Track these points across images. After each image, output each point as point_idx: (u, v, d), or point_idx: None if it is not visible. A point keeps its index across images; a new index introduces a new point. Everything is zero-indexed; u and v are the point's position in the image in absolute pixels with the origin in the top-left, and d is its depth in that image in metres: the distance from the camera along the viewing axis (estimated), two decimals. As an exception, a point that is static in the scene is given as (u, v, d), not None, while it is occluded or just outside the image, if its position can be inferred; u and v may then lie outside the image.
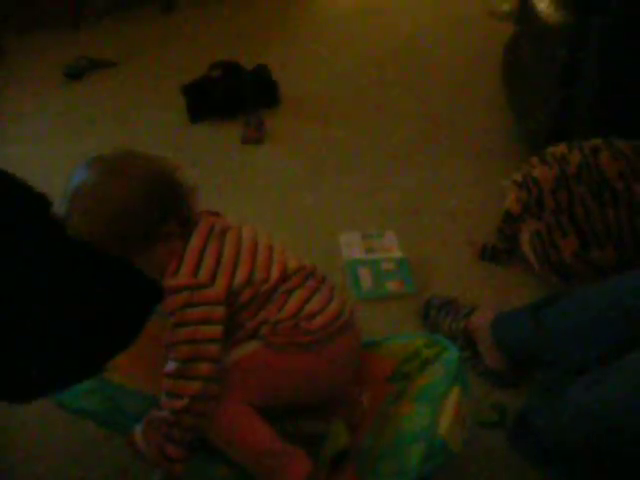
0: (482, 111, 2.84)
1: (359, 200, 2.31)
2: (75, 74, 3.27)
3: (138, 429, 1.21)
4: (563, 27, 2.09)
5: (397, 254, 2.02)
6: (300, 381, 1.26)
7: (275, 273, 1.25)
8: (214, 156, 2.59)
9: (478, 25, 3.64)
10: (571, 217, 1.77)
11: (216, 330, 1.18)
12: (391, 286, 1.91)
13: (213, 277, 1.19)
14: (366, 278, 1.93)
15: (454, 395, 1.21)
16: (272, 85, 2.93)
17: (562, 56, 2.10)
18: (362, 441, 1.28)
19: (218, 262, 1.21)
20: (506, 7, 3.59)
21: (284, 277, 1.26)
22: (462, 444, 1.17)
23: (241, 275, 1.22)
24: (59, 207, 1.20)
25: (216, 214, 1.34)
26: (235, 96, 2.84)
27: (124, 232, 1.19)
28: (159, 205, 1.20)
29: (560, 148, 1.88)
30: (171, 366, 1.17)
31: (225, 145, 2.66)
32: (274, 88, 2.93)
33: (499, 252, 1.99)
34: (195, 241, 1.23)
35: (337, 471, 1.26)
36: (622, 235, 1.73)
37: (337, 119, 2.85)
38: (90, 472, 1.47)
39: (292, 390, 1.27)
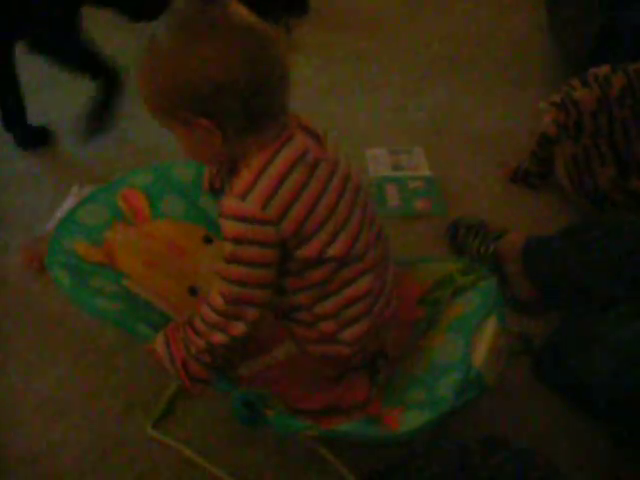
0: (521, 32, 2.71)
1: (387, 116, 2.24)
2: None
3: (159, 337, 1.14)
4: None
5: (425, 172, 1.97)
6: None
7: (343, 243, 1.08)
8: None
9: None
10: (611, 143, 1.70)
11: (269, 274, 1.05)
12: (419, 205, 1.86)
13: (283, 215, 1.01)
14: (393, 195, 1.88)
15: (490, 326, 1.15)
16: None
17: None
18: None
19: (295, 200, 1.02)
20: None
21: (349, 250, 1.09)
22: (497, 377, 1.12)
23: (312, 223, 1.04)
24: None
25: (313, 132, 1.09)
26: (263, 1, 2.73)
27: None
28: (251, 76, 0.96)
29: (603, 69, 1.78)
30: (217, 299, 1.07)
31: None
32: (302, -4, 2.81)
33: (532, 175, 1.92)
34: (280, 165, 1.01)
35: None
36: (665, 165, 1.66)
37: (367, 32, 2.74)
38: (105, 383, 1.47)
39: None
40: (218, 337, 1.08)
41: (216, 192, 1.32)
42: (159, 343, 1.13)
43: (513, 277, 1.57)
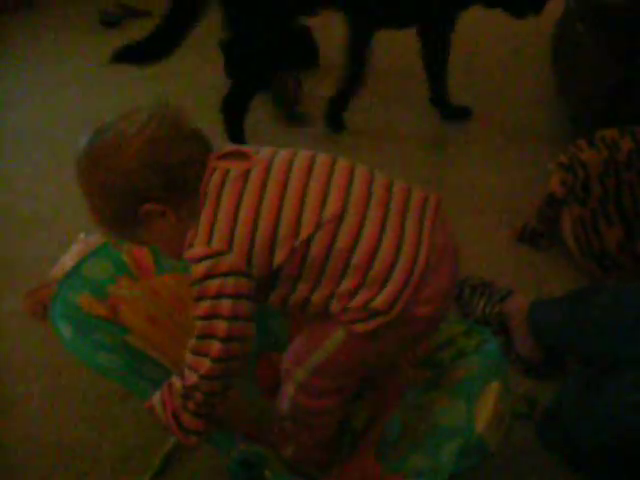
0: (528, 92, 2.74)
1: (391, 174, 2.22)
2: (110, 22, 3.22)
3: (157, 394, 1.13)
4: (624, 4, 2.00)
5: (431, 231, 1.96)
6: (387, 356, 1.18)
7: (310, 219, 1.02)
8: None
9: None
10: (618, 206, 1.70)
11: (231, 306, 1.02)
12: (424, 263, 1.85)
13: (229, 241, 1.01)
14: (399, 252, 1.87)
15: (493, 390, 1.14)
16: (313, 46, 2.86)
17: (621, 35, 2.01)
18: (386, 426, 1.23)
19: (234, 219, 1.01)
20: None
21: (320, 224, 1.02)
22: (499, 443, 1.11)
23: (263, 231, 1.01)
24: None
25: (236, 153, 1.08)
26: (274, 56, 2.76)
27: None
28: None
29: (611, 132, 1.79)
30: (192, 339, 1.07)
31: (261, 104, 2.58)
32: (315, 50, 2.86)
33: (538, 235, 1.92)
34: (207, 200, 1.03)
35: (356, 451, 1.22)
36: (671, 229, 1.66)
37: (376, 87, 2.76)
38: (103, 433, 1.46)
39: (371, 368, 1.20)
40: (191, 378, 1.05)
41: None
42: (156, 398, 1.12)
43: (518, 339, 1.56)
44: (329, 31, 3.08)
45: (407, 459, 1.14)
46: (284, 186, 1.04)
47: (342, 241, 1.02)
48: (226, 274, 1.01)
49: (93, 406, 1.51)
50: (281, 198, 1.03)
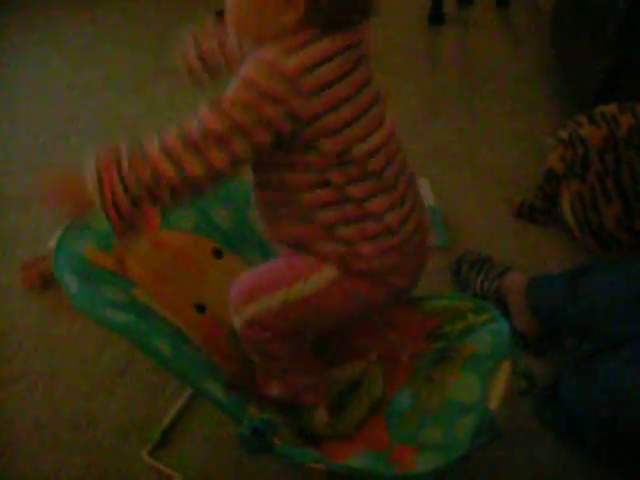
0: (528, 67, 2.72)
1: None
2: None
3: (91, 166, 0.92)
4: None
5: (431, 204, 1.96)
6: (364, 308, 1.14)
7: (371, 144, 1.01)
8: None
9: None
10: (617, 182, 1.69)
11: (266, 137, 0.92)
12: (423, 237, 1.85)
13: (317, 91, 0.92)
14: (397, 227, 1.87)
15: (505, 370, 1.14)
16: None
17: (622, 9, 1.99)
18: (396, 397, 1.23)
19: (334, 83, 0.93)
20: None
21: (381, 148, 1.02)
22: (505, 420, 1.12)
23: (339, 116, 0.95)
24: None
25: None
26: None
27: None
28: None
29: (611, 108, 1.78)
30: (191, 123, 0.93)
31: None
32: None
33: (536, 211, 1.92)
34: (329, 43, 0.93)
35: (366, 422, 1.22)
36: (670, 206, 1.66)
37: (378, 62, 2.73)
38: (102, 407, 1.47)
39: (347, 316, 1.15)
40: (168, 170, 0.91)
41: (201, 72, 1.23)
42: (89, 170, 0.92)
43: (516, 315, 1.56)
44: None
45: (419, 432, 1.14)
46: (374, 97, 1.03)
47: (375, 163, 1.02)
48: (289, 114, 0.91)
49: (92, 380, 1.51)
50: (372, 103, 1.02)
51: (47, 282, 1.68)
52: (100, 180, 0.91)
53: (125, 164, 0.91)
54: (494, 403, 1.10)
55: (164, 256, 1.30)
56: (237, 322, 1.12)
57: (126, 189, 0.91)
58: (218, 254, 1.35)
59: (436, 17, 2.99)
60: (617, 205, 1.68)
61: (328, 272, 1.07)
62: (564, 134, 1.80)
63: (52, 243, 1.73)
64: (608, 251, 1.71)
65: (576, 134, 1.76)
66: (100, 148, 0.93)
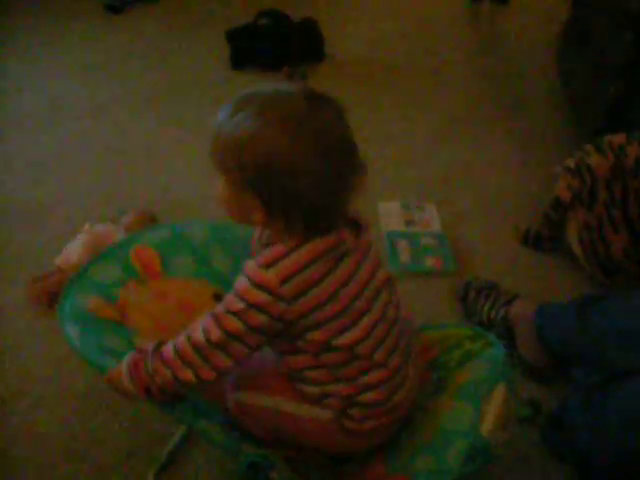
0: (535, 95, 2.75)
1: (400, 170, 2.24)
2: (115, 7, 3.20)
3: (123, 365, 1.11)
4: (631, 9, 1.99)
5: (437, 229, 1.97)
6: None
7: (356, 333, 1.08)
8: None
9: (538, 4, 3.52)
10: (624, 212, 1.70)
11: (260, 340, 1.05)
12: (430, 262, 1.86)
13: (298, 297, 1.02)
14: (405, 252, 1.88)
15: (498, 394, 1.14)
16: (319, 40, 2.85)
17: (628, 41, 2.01)
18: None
19: (314, 286, 1.02)
20: None
21: (366, 337, 1.09)
22: (503, 446, 1.10)
23: (324, 312, 1.05)
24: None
25: (356, 222, 1.09)
26: (280, 47, 2.76)
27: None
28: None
29: (618, 138, 1.79)
30: (199, 335, 1.05)
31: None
32: (321, 43, 2.85)
33: (542, 239, 1.92)
34: (309, 250, 1.02)
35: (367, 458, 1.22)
36: (676, 237, 1.66)
37: (381, 83, 2.78)
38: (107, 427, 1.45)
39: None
40: (186, 374, 1.06)
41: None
42: (123, 372, 1.10)
43: (523, 343, 1.56)
44: (335, 25, 3.10)
45: (412, 460, 1.15)
46: (361, 288, 1.08)
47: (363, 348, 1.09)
48: (273, 317, 1.02)
49: (96, 399, 1.50)
50: (356, 296, 1.07)
51: (54, 299, 1.68)
52: (133, 380, 1.09)
53: (150, 368, 1.08)
54: (487, 427, 1.10)
55: (165, 305, 1.34)
56: (231, 400, 1.19)
57: (152, 383, 1.09)
58: (218, 298, 1.37)
59: None
60: (624, 235, 1.69)
61: (323, 412, 1.14)
62: (571, 163, 1.81)
63: (59, 260, 1.74)
64: (614, 280, 1.72)
65: (584, 163, 1.77)
66: (132, 355, 1.11)
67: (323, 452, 1.23)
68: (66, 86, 2.68)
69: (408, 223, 1.99)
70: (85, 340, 1.19)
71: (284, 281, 1.00)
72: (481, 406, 1.14)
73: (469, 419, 1.14)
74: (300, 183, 0.96)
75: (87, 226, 1.83)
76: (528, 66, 2.96)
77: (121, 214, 1.89)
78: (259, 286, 1.00)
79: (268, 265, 1.01)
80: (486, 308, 1.65)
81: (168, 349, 1.08)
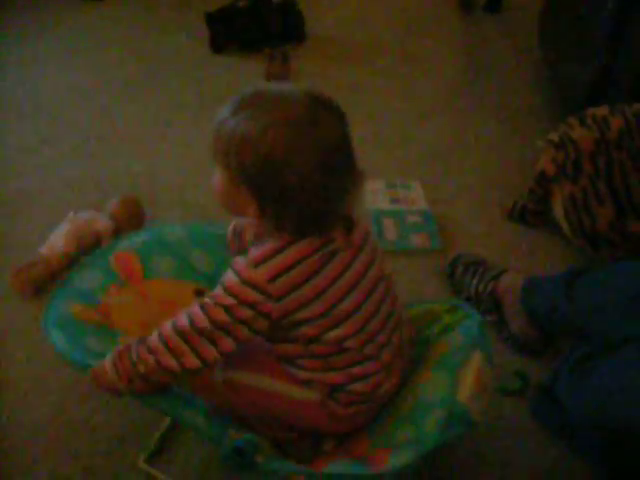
0: (519, 70, 2.75)
1: (384, 149, 2.24)
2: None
3: (108, 358, 1.13)
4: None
5: (423, 207, 1.96)
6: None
7: (346, 329, 1.09)
8: (236, 90, 2.50)
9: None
10: (609, 184, 1.70)
11: (247, 333, 1.06)
12: (416, 240, 1.85)
13: (286, 295, 1.03)
14: (391, 229, 1.88)
15: (475, 362, 1.15)
16: (299, 20, 2.83)
17: (611, 11, 2.00)
18: None
19: (303, 284, 1.04)
20: None
21: (355, 333, 1.11)
22: (483, 413, 1.12)
23: (310, 311, 1.06)
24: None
25: (347, 220, 1.10)
26: (261, 28, 2.74)
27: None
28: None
29: (601, 110, 1.79)
30: (184, 321, 1.06)
31: (247, 79, 2.55)
32: (301, 23, 2.83)
33: (529, 213, 1.93)
34: (298, 249, 1.04)
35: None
36: (661, 209, 1.67)
37: (365, 63, 2.76)
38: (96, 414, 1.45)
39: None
40: (170, 362, 1.07)
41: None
42: (107, 363, 1.13)
43: (512, 317, 1.56)
44: (315, 5, 3.08)
45: (394, 433, 1.16)
46: (352, 285, 1.09)
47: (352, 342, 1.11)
48: (261, 313, 1.04)
49: (85, 387, 1.48)
50: (347, 293, 1.08)
51: (38, 288, 1.67)
52: (117, 371, 1.12)
53: (134, 356, 1.10)
54: (464, 395, 1.11)
55: (148, 306, 1.35)
56: (219, 377, 1.19)
57: (136, 373, 1.10)
58: (200, 294, 1.40)
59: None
60: (609, 207, 1.69)
61: (310, 394, 1.15)
62: (555, 137, 1.81)
63: (43, 249, 1.73)
64: (600, 252, 1.72)
65: (567, 136, 1.77)
66: (117, 348, 1.14)
67: (307, 432, 1.23)
68: (46, 72, 2.64)
69: (394, 201, 1.98)
70: (71, 344, 1.23)
71: (272, 279, 1.02)
72: (457, 374, 1.15)
73: (446, 388, 1.15)
74: (296, 185, 0.98)
75: (71, 214, 1.81)
76: (511, 45, 2.95)
77: (105, 201, 1.88)
78: (248, 283, 1.02)
79: (257, 263, 1.03)
80: (474, 283, 1.65)
81: (153, 336, 1.10)
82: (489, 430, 1.41)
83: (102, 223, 1.78)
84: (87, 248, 1.74)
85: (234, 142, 0.99)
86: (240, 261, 1.04)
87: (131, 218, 1.83)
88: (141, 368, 1.09)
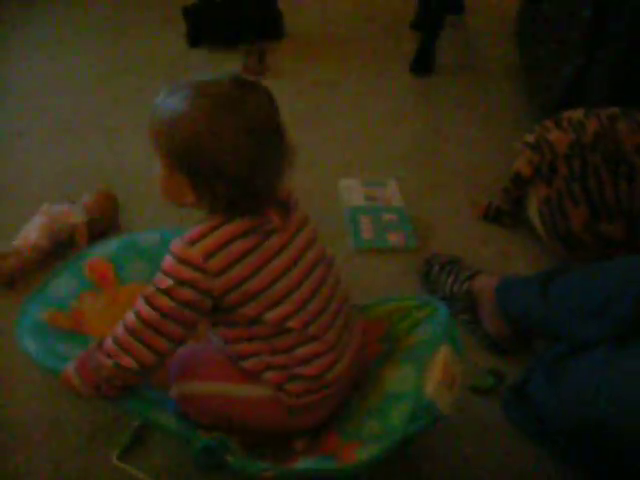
0: (494, 69, 2.76)
1: (359, 147, 2.24)
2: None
3: (71, 366, 1.16)
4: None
5: (398, 205, 1.97)
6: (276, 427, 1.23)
7: (288, 306, 1.11)
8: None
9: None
10: (583, 186, 1.72)
11: (193, 316, 1.08)
12: (392, 238, 1.86)
13: (222, 272, 1.05)
14: (367, 227, 1.88)
15: (442, 354, 1.16)
16: (277, 16, 2.82)
17: (586, 17, 2.02)
18: (345, 402, 1.27)
19: (237, 262, 1.06)
20: None
21: (295, 312, 1.12)
22: (452, 406, 1.12)
23: (248, 287, 1.08)
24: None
25: (283, 202, 1.13)
26: (238, 23, 2.73)
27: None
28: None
29: (577, 113, 1.81)
30: (131, 318, 1.09)
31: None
32: (279, 19, 2.82)
33: (503, 214, 1.94)
34: (234, 228, 1.07)
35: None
36: (634, 210, 1.68)
37: (342, 60, 2.76)
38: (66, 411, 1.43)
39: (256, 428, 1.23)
40: (127, 361, 1.09)
41: None
42: (71, 370, 1.15)
43: (486, 316, 1.57)
44: (295, 2, 3.07)
45: (362, 427, 1.18)
46: (288, 267, 1.11)
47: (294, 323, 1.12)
48: (200, 291, 1.06)
49: (55, 383, 1.46)
50: (283, 273, 1.10)
51: (12, 280, 1.65)
52: (82, 378, 1.14)
53: (94, 363, 1.12)
54: (430, 387, 1.12)
55: (122, 312, 1.35)
56: (174, 393, 1.21)
57: (100, 378, 1.12)
58: None
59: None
60: (584, 209, 1.71)
61: (262, 389, 1.16)
62: (531, 138, 1.83)
63: (16, 241, 1.70)
64: (574, 254, 1.74)
65: (544, 139, 1.79)
66: (79, 356, 1.16)
67: (274, 432, 1.24)
68: (19, 63, 2.61)
69: (369, 199, 1.98)
70: (42, 350, 1.24)
71: (208, 256, 1.04)
72: (424, 367, 1.16)
73: (412, 380, 1.16)
74: (226, 163, 1.01)
75: (45, 206, 1.79)
76: (489, 46, 2.97)
77: (80, 194, 1.85)
78: (184, 262, 1.04)
79: (193, 242, 1.05)
80: (449, 282, 1.66)
81: (107, 340, 1.12)
82: (460, 428, 1.41)
83: (75, 216, 1.76)
84: (60, 241, 1.72)
85: (164, 126, 1.03)
86: (176, 242, 1.06)
87: (105, 211, 1.81)
88: (104, 373, 1.11)
